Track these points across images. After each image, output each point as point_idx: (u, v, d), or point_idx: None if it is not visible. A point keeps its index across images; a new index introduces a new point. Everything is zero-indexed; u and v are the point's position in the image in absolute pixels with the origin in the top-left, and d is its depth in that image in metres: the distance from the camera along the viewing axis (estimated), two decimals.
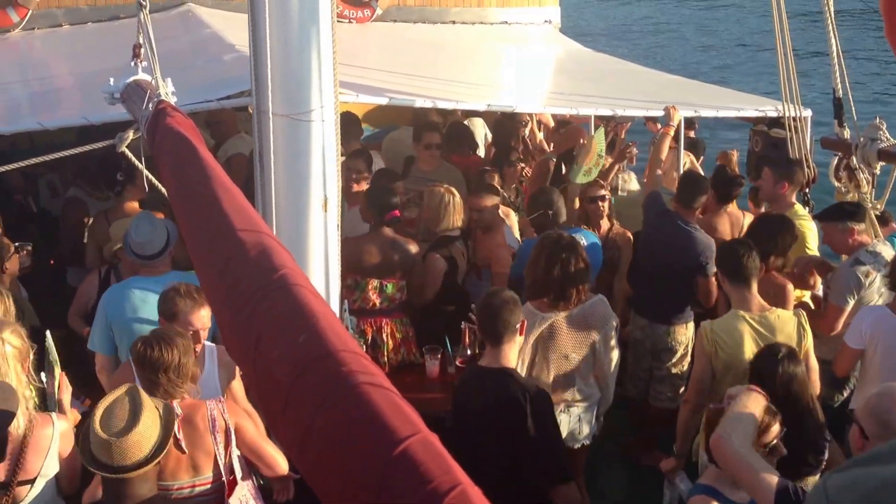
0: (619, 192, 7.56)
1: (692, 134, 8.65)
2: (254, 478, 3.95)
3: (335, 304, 4.22)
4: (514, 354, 4.25)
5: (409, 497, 1.35)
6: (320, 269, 4.12)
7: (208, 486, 3.73)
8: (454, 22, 9.91)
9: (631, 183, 7.85)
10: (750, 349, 4.68)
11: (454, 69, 8.18)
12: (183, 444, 3.61)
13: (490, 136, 8.89)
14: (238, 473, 3.76)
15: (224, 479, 3.71)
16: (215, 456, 3.70)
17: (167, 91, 3.45)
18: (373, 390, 1.54)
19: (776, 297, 5.22)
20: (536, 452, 4.10)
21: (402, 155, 7.69)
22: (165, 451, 3.23)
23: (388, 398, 1.54)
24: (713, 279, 5.77)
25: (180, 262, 5.06)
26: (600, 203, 6.51)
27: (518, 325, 4.19)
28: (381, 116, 9.02)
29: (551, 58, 9.51)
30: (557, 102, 7.24)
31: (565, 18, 10.88)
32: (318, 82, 3.95)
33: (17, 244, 5.76)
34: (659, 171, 6.52)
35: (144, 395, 3.27)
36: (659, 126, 7.27)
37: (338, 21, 9.05)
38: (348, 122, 7.59)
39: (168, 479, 3.60)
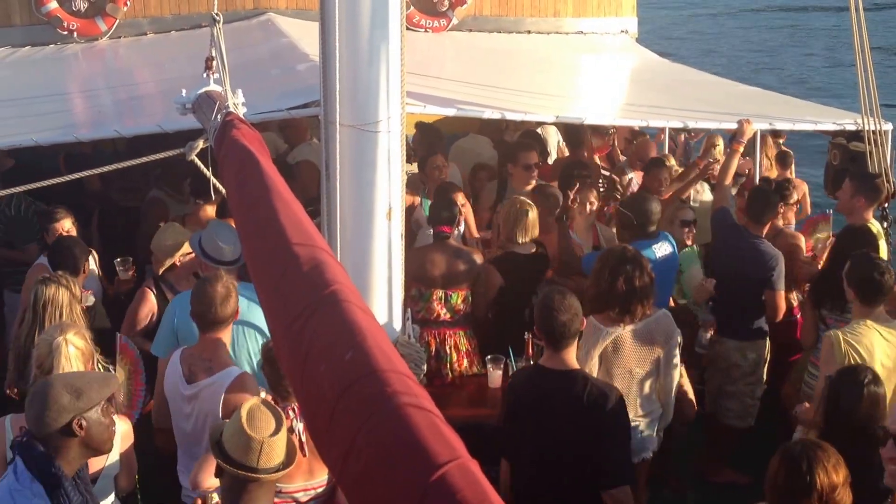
0: (692, 203, 7.43)
1: (781, 143, 8.45)
2: None
3: (398, 314, 4.24)
4: (574, 353, 4.28)
5: None
6: (383, 279, 4.15)
7: (322, 488, 3.82)
8: (529, 32, 9.90)
9: (704, 194, 7.71)
10: (881, 360, 4.59)
11: (526, 79, 8.16)
12: (306, 448, 3.65)
13: (563, 143, 8.85)
14: None
15: None
16: None
17: (236, 102, 3.52)
18: (415, 412, 1.54)
19: None
20: (608, 451, 4.10)
21: (469, 164, 7.69)
22: (296, 457, 3.30)
23: (430, 421, 1.53)
24: (781, 293, 5.73)
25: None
26: (692, 227, 6.41)
27: (578, 326, 4.22)
28: (455, 122, 9.03)
29: (625, 68, 9.41)
30: (628, 114, 7.16)
31: (644, 29, 10.76)
32: (386, 93, 3.98)
33: (118, 259, 5.96)
34: (727, 183, 6.41)
35: (272, 404, 3.35)
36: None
37: (413, 30, 9.20)
38: (433, 137, 7.68)
39: (284, 482, 3.62)
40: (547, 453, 4.13)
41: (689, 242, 6.38)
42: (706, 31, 29.84)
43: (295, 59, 6.75)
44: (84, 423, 3.04)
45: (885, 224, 6.39)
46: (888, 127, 6.36)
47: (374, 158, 4.03)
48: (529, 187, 6.94)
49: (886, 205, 6.35)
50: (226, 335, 4.34)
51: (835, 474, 3.23)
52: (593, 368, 4.77)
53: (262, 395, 3.84)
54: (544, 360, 4.30)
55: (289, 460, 3.21)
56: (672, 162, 7.85)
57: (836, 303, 5.39)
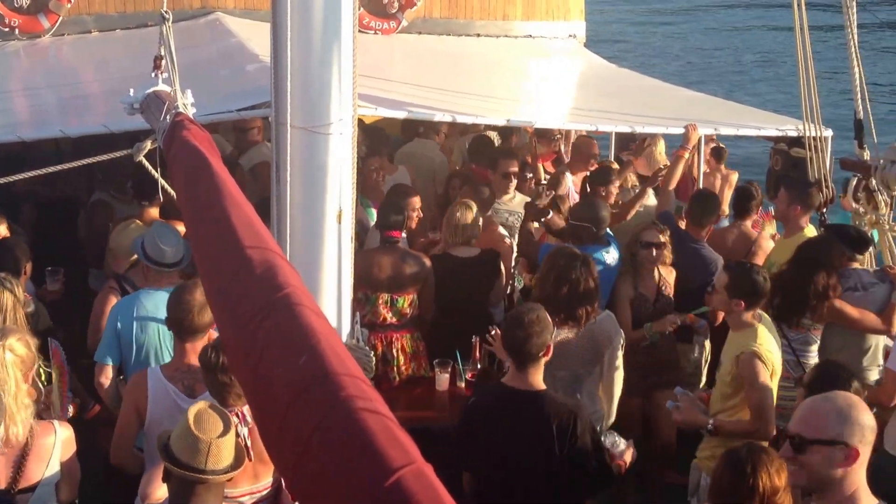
0: (638, 209, 7.51)
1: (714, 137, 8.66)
2: None
3: (347, 317, 4.23)
4: (541, 375, 4.16)
5: None
6: (333, 281, 4.14)
7: (267, 491, 3.77)
8: (479, 35, 9.93)
9: (649, 199, 7.81)
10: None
11: (477, 83, 8.19)
12: (251, 452, 3.58)
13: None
14: None
15: (283, 482, 3.72)
16: None
17: (185, 103, 3.48)
18: (369, 417, 1.53)
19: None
20: (581, 464, 4.08)
21: (421, 168, 7.69)
22: (244, 460, 3.25)
23: (385, 425, 1.53)
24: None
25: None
26: (654, 250, 5.76)
27: (546, 347, 4.11)
28: (394, 124, 8.98)
29: (574, 72, 9.50)
30: (578, 118, 7.22)
31: (591, 33, 10.88)
32: (338, 95, 3.97)
33: (49, 269, 5.82)
34: (671, 188, 6.50)
35: (219, 407, 3.30)
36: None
37: (363, 32, 9.16)
38: (378, 138, 7.66)
39: (229, 487, 3.55)
40: (515, 471, 4.08)
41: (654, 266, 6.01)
42: (653, 38, 30.25)
43: (244, 59, 6.69)
44: None
45: (823, 229, 6.54)
46: (828, 134, 6.50)
47: (325, 161, 4.01)
48: (507, 196, 6.97)
49: (825, 210, 6.50)
50: (203, 342, 4.24)
51: (777, 478, 3.29)
52: None
53: None
54: (509, 378, 4.19)
55: (237, 462, 3.18)
56: (616, 166, 7.93)
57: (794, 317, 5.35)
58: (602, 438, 4.48)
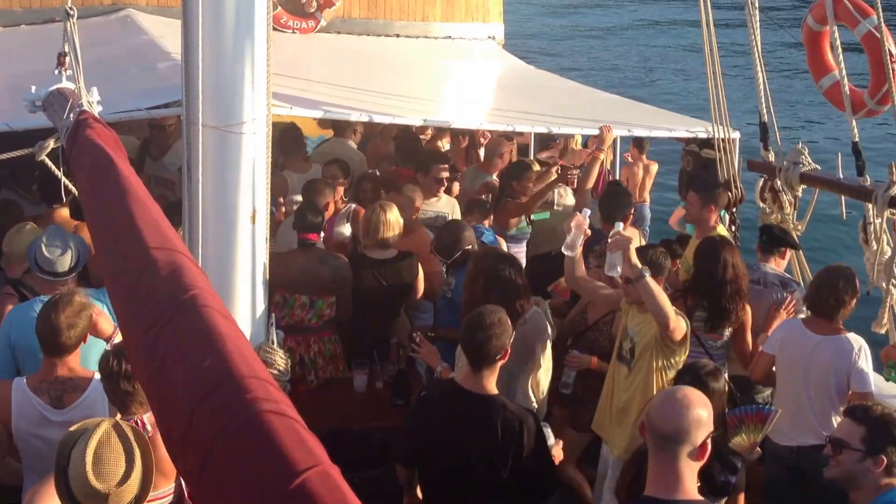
0: (555, 207, 7.62)
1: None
2: None
3: (262, 319, 4.17)
4: (495, 379, 4.11)
5: None
6: (247, 283, 4.07)
7: (168, 498, 3.64)
8: (398, 35, 9.92)
9: (567, 198, 7.92)
10: None
11: (395, 83, 8.18)
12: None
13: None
14: None
15: (184, 489, 3.62)
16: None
17: (91, 101, 3.39)
18: (275, 419, 1.52)
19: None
20: (529, 472, 4.05)
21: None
22: (151, 484, 3.09)
23: (291, 427, 1.51)
24: None
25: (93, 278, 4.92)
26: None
27: (504, 350, 4.06)
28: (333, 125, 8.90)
29: (493, 74, 9.57)
30: (495, 118, 7.28)
31: (509, 35, 10.98)
32: (251, 94, 3.91)
33: None
34: (588, 187, 6.60)
35: (126, 429, 3.09)
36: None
37: (281, 31, 9.04)
38: (291, 138, 7.58)
39: None
40: (461, 471, 4.04)
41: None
42: (572, 42, 30.71)
43: (156, 57, 6.54)
44: None
45: (734, 228, 6.72)
46: (736, 136, 6.66)
47: (238, 160, 3.94)
48: (435, 199, 6.96)
49: (734, 210, 6.67)
50: (75, 357, 4.08)
51: None
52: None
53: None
54: (463, 378, 4.14)
55: (143, 493, 3.05)
56: (538, 166, 8.03)
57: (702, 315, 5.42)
58: None
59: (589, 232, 4.76)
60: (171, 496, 3.61)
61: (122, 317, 2.03)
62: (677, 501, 2.91)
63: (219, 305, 1.86)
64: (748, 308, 5.38)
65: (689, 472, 2.96)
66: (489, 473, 4.01)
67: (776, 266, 5.80)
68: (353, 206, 6.86)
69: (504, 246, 6.56)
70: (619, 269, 4.50)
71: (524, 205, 7.08)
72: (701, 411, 2.98)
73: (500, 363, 4.05)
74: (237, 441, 1.51)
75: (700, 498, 2.99)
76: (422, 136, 8.88)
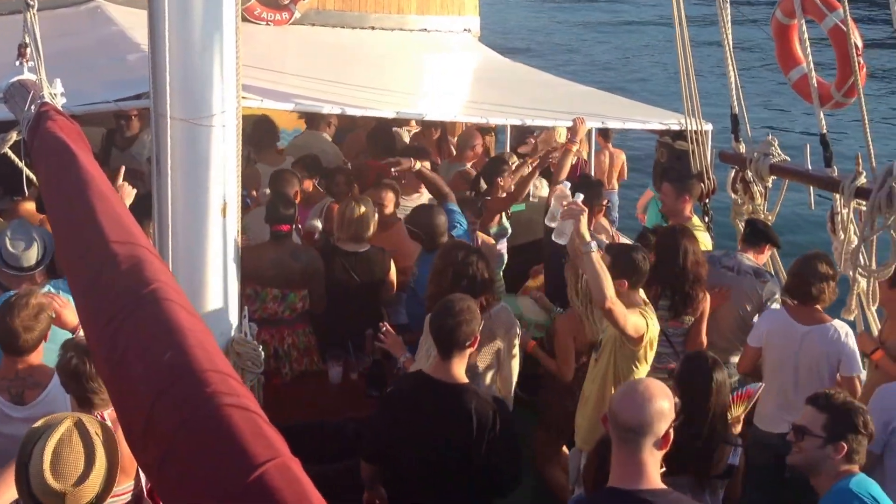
0: (531, 199, 7.62)
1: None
2: None
3: (234, 312, 4.15)
4: (464, 367, 4.13)
5: None
6: (219, 276, 4.05)
7: (129, 494, 3.60)
8: (373, 28, 9.86)
9: (542, 189, 7.92)
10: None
11: (370, 75, 8.14)
12: None
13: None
14: None
15: (143, 486, 3.58)
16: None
17: (53, 92, 3.34)
18: (235, 412, 1.51)
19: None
20: (500, 461, 4.05)
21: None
22: (114, 485, 3.05)
23: (251, 420, 1.51)
24: None
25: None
26: None
27: (474, 337, 4.07)
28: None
29: (467, 66, 9.55)
30: (469, 111, 7.26)
31: (485, 28, 10.96)
32: (220, 86, 3.88)
33: None
34: (561, 178, 6.59)
35: (89, 426, 3.04)
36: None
37: (255, 23, 8.95)
38: (264, 130, 7.54)
39: None
40: (430, 463, 4.03)
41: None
42: (548, 35, 30.72)
43: (125, 48, 6.46)
44: None
45: (707, 219, 6.77)
46: (708, 127, 6.73)
47: (207, 153, 3.91)
48: (416, 195, 6.94)
49: (707, 201, 6.72)
50: (37, 354, 4.04)
51: None
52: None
53: None
54: (432, 368, 4.13)
55: (105, 491, 3.01)
56: (514, 158, 8.03)
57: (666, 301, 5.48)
58: None
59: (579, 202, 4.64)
60: (131, 493, 3.58)
61: (83, 311, 2.01)
62: (641, 491, 2.93)
63: (181, 299, 1.84)
64: (708, 298, 5.44)
65: (653, 462, 2.98)
66: (461, 464, 4.01)
67: (754, 259, 5.84)
68: (329, 200, 6.83)
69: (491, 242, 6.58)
70: (566, 236, 4.46)
71: (504, 201, 7.07)
72: (663, 402, 3.00)
73: (469, 350, 4.07)
74: (197, 434, 1.51)
75: (662, 486, 3.01)
76: (407, 129, 8.85)
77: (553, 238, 4.57)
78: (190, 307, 1.89)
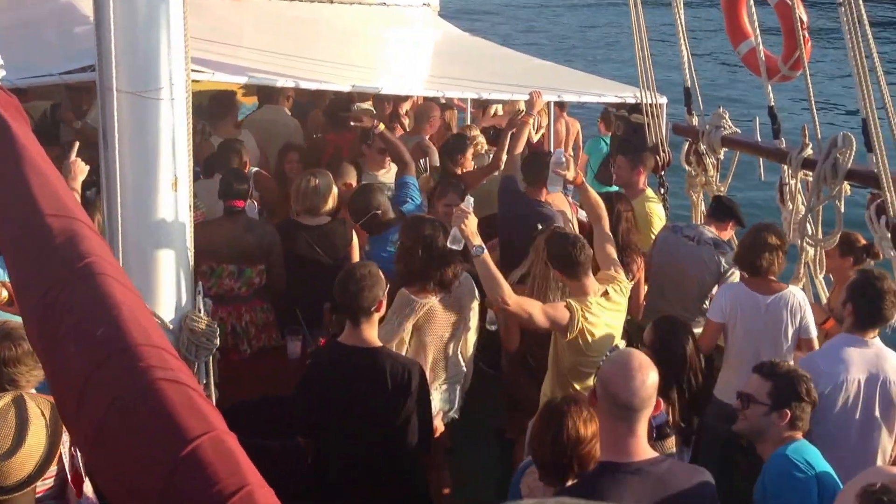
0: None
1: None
2: None
3: (187, 288, 4.10)
4: (376, 331, 4.24)
5: (194, 499, 1.32)
6: (170, 252, 4.00)
7: (51, 479, 3.55)
8: (332, 1, 9.74)
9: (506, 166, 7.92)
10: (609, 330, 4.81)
11: (327, 49, 8.05)
12: None
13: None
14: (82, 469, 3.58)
15: (68, 474, 3.53)
16: (60, 452, 3.51)
17: None
18: (168, 386, 1.49)
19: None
20: (412, 428, 4.13)
21: (270, 137, 7.51)
22: (52, 465, 3.01)
23: (185, 395, 1.48)
24: None
25: None
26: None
27: (379, 301, 4.16)
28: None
29: (426, 41, 9.48)
30: (426, 85, 7.21)
31: (445, 3, 10.89)
32: (168, 59, 3.81)
33: None
34: (517, 152, 6.60)
35: (31, 403, 3.01)
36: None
37: None
38: (221, 104, 7.44)
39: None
40: (352, 430, 4.11)
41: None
42: (506, 9, 30.63)
43: (73, 20, 6.32)
44: None
45: (663, 191, 6.82)
46: (663, 101, 6.77)
47: (156, 127, 3.85)
48: (383, 170, 6.88)
49: (663, 172, 6.77)
50: None
51: (583, 428, 3.39)
52: (406, 338, 4.81)
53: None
54: (344, 336, 4.22)
55: (39, 471, 2.97)
56: (476, 132, 7.99)
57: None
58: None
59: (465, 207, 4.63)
60: (53, 479, 3.53)
61: (17, 286, 1.96)
62: (639, 462, 2.94)
63: (117, 273, 1.81)
64: (643, 266, 5.49)
65: (644, 431, 3.00)
66: (381, 427, 4.09)
67: (716, 233, 5.88)
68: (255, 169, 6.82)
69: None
70: (460, 242, 4.53)
71: (481, 172, 7.05)
72: (654, 373, 3.01)
73: (376, 315, 4.19)
74: (129, 409, 1.48)
75: (655, 453, 3.04)
76: (367, 104, 8.77)
77: (448, 245, 4.61)
78: (127, 281, 1.85)
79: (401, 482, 4.22)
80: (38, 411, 3.00)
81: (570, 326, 4.59)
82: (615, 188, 6.70)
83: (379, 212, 5.73)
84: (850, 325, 4.47)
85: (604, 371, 3.06)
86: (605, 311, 4.74)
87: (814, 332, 5.06)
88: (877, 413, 4.33)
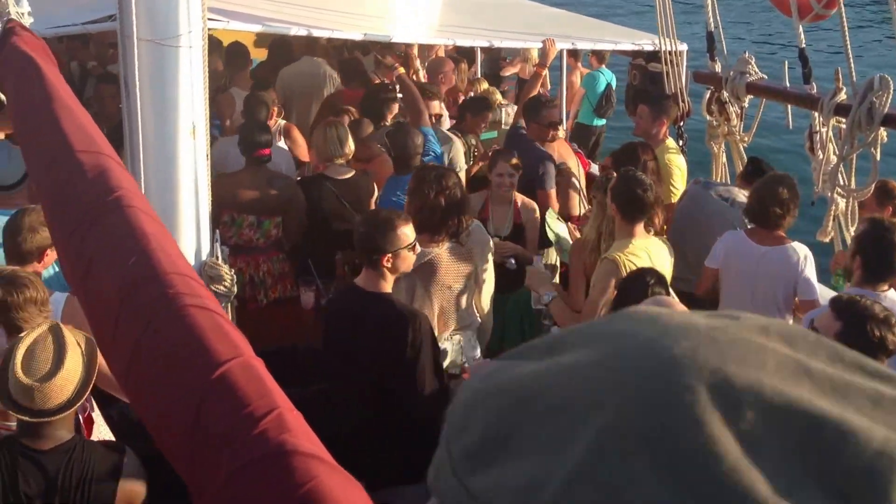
0: (503, 126, 7.58)
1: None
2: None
3: (206, 235, 4.16)
4: (391, 278, 4.22)
5: (226, 421, 1.37)
6: (190, 198, 4.05)
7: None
8: None
9: (513, 116, 7.89)
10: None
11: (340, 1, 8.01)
12: None
13: None
14: (94, 410, 3.67)
15: (82, 421, 3.61)
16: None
17: (20, 11, 3.29)
18: (198, 312, 1.54)
19: None
20: (416, 379, 4.08)
21: (299, 90, 7.51)
22: (88, 392, 3.11)
23: (213, 321, 1.54)
24: (548, 192, 5.97)
25: None
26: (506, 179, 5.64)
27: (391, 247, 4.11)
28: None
29: None
30: (437, 34, 7.17)
31: None
32: (187, 7, 3.83)
33: None
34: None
35: (68, 333, 3.08)
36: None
37: None
38: (236, 54, 7.43)
39: (8, 420, 3.39)
40: (353, 375, 4.09)
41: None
42: None
43: None
44: None
45: (681, 142, 6.73)
46: (683, 48, 6.56)
47: (175, 74, 3.88)
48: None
49: (682, 123, 6.64)
50: (38, 269, 4.03)
51: None
52: (409, 286, 4.82)
53: None
54: (360, 279, 4.22)
55: (77, 395, 3.06)
56: (485, 85, 7.95)
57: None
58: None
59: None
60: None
61: (51, 221, 2.03)
62: None
63: (143, 205, 1.86)
64: (662, 216, 5.41)
65: None
66: (381, 376, 4.05)
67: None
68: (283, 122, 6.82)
69: None
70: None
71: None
72: None
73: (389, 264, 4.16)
74: (160, 335, 1.54)
75: None
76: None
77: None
78: (153, 213, 1.91)
79: (410, 437, 4.04)
80: (74, 340, 3.09)
81: (620, 276, 4.56)
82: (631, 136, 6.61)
83: (410, 153, 5.72)
84: (859, 279, 4.32)
85: None
86: (646, 252, 4.71)
87: (815, 294, 4.85)
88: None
